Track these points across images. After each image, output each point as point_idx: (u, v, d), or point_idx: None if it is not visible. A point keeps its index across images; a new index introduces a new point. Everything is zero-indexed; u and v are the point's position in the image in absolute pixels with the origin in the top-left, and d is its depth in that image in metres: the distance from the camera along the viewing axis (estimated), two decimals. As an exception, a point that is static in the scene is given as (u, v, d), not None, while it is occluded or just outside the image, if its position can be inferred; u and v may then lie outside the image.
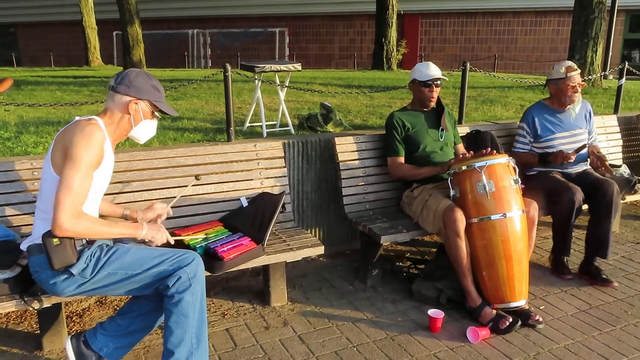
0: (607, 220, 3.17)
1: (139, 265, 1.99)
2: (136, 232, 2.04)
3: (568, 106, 3.44)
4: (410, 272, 3.25)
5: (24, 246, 2.02)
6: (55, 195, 1.85)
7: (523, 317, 2.65)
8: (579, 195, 3.09)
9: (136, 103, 2.03)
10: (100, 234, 1.95)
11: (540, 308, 2.85)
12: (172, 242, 2.16)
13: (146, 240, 2.09)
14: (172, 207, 2.59)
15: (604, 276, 3.16)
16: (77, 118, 1.99)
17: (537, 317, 2.66)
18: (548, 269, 3.32)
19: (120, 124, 2.05)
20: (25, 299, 2.07)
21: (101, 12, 16.50)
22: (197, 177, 2.61)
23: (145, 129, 2.11)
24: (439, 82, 3.10)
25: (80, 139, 1.87)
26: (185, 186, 2.70)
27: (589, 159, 3.45)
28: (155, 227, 2.10)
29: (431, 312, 2.62)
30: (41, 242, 1.90)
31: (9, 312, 2.69)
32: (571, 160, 3.25)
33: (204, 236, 2.52)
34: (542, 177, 3.34)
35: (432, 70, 3.10)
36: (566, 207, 3.10)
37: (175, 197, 2.57)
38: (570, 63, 3.40)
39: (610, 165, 3.42)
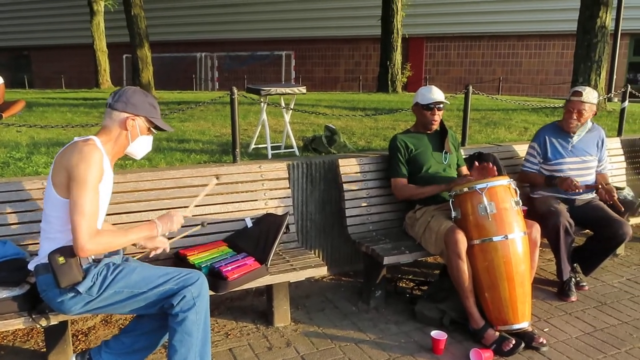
0: (606, 254, 3.24)
1: (145, 284, 2.02)
2: (152, 232, 2.11)
3: (572, 132, 3.38)
4: (413, 293, 3.26)
5: (31, 266, 2.06)
6: (70, 220, 1.90)
7: (526, 339, 2.64)
8: (564, 220, 3.10)
9: (133, 119, 2.08)
10: (120, 244, 2.03)
11: (544, 330, 2.84)
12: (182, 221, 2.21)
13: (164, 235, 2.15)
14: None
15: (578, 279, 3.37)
16: (75, 139, 2.02)
17: (541, 340, 2.66)
18: (552, 291, 3.32)
19: (118, 140, 2.09)
20: (33, 316, 2.11)
21: (112, 36, 16.83)
22: (217, 177, 2.60)
23: (142, 145, 2.16)
24: (441, 105, 3.15)
25: (80, 160, 1.91)
26: (206, 185, 2.58)
27: (595, 193, 3.41)
28: (167, 218, 2.14)
29: (434, 333, 2.62)
30: (47, 262, 1.94)
31: (17, 330, 2.72)
32: (579, 191, 3.25)
33: (209, 255, 2.55)
34: (541, 201, 3.35)
35: (435, 94, 3.15)
36: (552, 231, 3.12)
37: (198, 196, 2.49)
38: (581, 89, 3.31)
39: (614, 187, 3.41)
